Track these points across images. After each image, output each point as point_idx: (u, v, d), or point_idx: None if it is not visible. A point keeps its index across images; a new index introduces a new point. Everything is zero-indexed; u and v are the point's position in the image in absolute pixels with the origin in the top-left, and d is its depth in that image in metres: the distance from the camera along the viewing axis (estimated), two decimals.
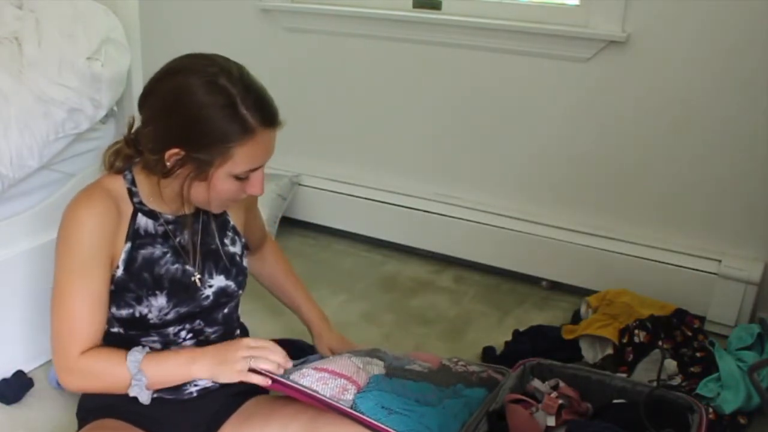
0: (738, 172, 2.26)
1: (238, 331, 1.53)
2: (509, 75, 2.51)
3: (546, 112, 2.49)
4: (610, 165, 2.43)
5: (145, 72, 2.18)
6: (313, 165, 2.90)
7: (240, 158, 1.24)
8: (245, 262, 1.47)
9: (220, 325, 1.44)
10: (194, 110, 1.22)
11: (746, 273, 2.23)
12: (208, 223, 1.42)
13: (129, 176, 1.35)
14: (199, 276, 1.38)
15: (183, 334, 1.39)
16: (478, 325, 2.33)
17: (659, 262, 2.34)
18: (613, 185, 2.45)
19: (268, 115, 1.26)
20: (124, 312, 1.33)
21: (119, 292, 1.32)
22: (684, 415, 1.61)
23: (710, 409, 1.82)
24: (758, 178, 2.23)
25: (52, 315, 1.30)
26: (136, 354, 1.27)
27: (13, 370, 1.89)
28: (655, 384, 1.71)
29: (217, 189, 1.28)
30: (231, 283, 1.42)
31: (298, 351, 2.05)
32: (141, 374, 1.25)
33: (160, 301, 1.33)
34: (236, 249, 1.45)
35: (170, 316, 1.35)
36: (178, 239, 1.37)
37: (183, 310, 1.36)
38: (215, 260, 1.41)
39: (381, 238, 2.80)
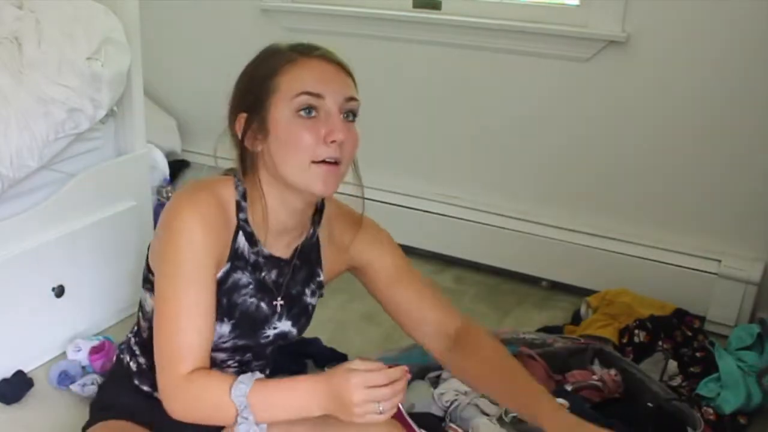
0: (738, 172, 2.26)
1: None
2: (509, 75, 2.51)
3: (546, 112, 2.49)
4: (609, 165, 2.43)
5: (145, 72, 2.18)
6: None
7: (285, 83, 1.16)
8: (314, 311, 1.38)
9: (266, 359, 1.40)
10: (243, 73, 1.22)
11: (746, 273, 2.22)
12: (299, 269, 1.32)
13: (241, 188, 1.22)
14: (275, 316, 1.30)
15: (230, 362, 1.33)
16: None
17: (659, 262, 2.33)
18: (613, 185, 2.45)
19: (312, 48, 1.20)
20: None
21: None
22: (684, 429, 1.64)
23: (710, 410, 1.83)
24: (758, 178, 2.23)
25: (158, 330, 1.17)
26: (242, 386, 1.10)
27: (13, 370, 1.89)
28: (676, 397, 1.79)
29: (282, 134, 1.15)
30: (294, 330, 1.34)
31: (316, 350, 2.06)
32: (248, 411, 1.10)
33: (224, 329, 1.25)
34: (313, 300, 1.37)
35: (227, 345, 1.28)
36: (264, 274, 1.27)
37: (240, 342, 1.29)
38: (290, 306, 1.32)
39: None
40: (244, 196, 1.22)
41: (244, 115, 1.19)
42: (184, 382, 1.13)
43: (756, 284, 2.22)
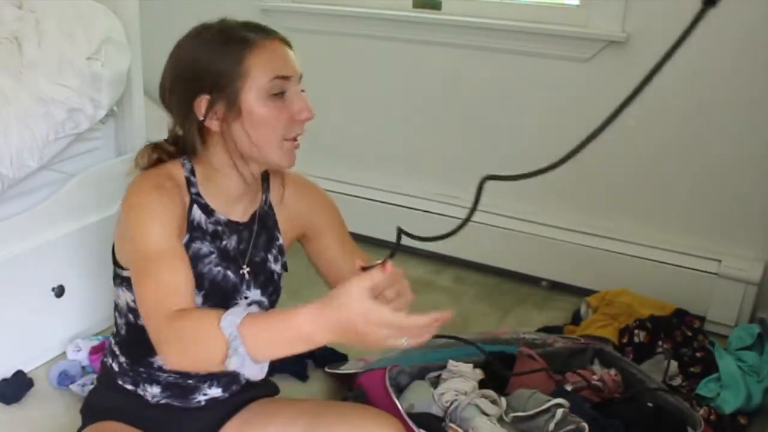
0: (738, 172, 2.26)
1: None
2: (509, 75, 2.51)
3: (546, 112, 2.49)
4: (610, 165, 2.43)
5: (145, 72, 2.18)
6: (313, 165, 2.89)
7: (257, 69, 1.21)
8: (281, 282, 1.41)
9: None
10: (195, 54, 1.24)
11: (746, 273, 2.23)
12: (259, 235, 1.37)
13: (188, 166, 1.29)
14: (241, 281, 1.33)
15: None
16: (478, 325, 2.33)
17: (659, 262, 2.34)
18: (613, 185, 2.45)
19: (263, 28, 1.27)
20: None
21: None
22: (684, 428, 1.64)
23: (710, 410, 1.83)
24: (758, 179, 2.23)
25: (139, 294, 1.15)
26: (231, 317, 1.02)
27: (13, 370, 1.89)
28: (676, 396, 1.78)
29: (257, 116, 1.21)
30: (264, 300, 1.37)
31: (316, 350, 2.06)
32: (239, 342, 1.00)
33: (197, 300, 1.25)
34: (276, 267, 1.40)
35: None
36: (224, 242, 1.32)
37: None
38: (256, 273, 1.36)
39: (381, 238, 2.80)
40: (192, 173, 1.29)
41: (207, 96, 1.22)
42: (171, 320, 1.08)
43: (756, 284, 2.23)
